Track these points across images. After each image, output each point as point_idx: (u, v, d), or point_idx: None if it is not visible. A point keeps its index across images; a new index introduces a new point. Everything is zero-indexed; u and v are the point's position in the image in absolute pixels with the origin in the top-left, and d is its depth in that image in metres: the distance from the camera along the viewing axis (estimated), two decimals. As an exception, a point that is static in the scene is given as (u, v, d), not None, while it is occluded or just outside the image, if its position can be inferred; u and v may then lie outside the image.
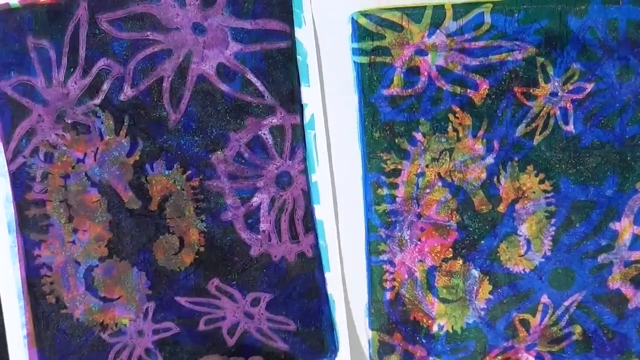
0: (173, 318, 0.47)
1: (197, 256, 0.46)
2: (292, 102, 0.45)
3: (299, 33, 0.45)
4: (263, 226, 0.46)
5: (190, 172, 0.46)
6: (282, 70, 0.45)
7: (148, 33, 0.44)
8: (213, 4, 0.44)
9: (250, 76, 0.45)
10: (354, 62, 0.45)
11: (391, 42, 0.44)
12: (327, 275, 0.47)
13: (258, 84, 0.45)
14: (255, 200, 0.46)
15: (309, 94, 0.45)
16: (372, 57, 0.45)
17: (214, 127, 0.45)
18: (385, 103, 0.45)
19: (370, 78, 0.45)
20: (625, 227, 0.45)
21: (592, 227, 0.45)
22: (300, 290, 0.47)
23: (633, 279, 0.46)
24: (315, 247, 0.46)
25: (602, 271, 0.46)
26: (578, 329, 0.47)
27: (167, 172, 0.46)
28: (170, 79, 0.45)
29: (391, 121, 0.45)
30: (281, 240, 0.46)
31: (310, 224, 0.46)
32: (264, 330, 0.47)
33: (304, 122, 0.46)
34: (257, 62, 0.45)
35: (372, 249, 0.46)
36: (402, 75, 0.45)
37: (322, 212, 0.46)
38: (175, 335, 0.47)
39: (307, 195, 0.46)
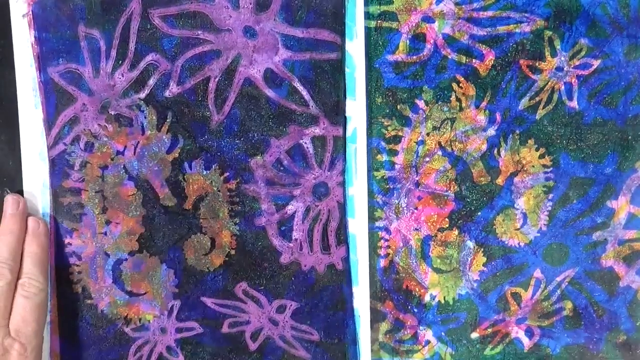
0: (197, 318, 0.47)
1: (227, 258, 0.46)
2: (336, 113, 0.45)
3: (349, 46, 0.45)
4: (296, 234, 0.46)
5: (228, 174, 0.46)
6: (329, 82, 0.45)
7: (199, 32, 0.44)
8: (266, 9, 0.44)
9: (297, 84, 0.45)
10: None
11: (399, 7, 0.44)
12: (354, 289, 0.47)
13: (304, 92, 0.45)
14: (290, 208, 0.46)
15: (353, 108, 0.45)
16: (379, 21, 0.44)
17: (255, 132, 0.45)
18: (389, 68, 0.45)
19: (375, 42, 0.45)
20: (621, 206, 0.46)
21: (589, 204, 0.46)
22: (327, 302, 0.47)
23: (626, 257, 0.46)
24: (346, 260, 0.46)
25: (596, 248, 0.46)
26: (569, 305, 0.47)
27: (205, 172, 0.46)
28: (216, 79, 0.45)
29: (394, 87, 0.45)
30: (312, 250, 0.46)
31: (342, 236, 0.46)
32: (287, 337, 0.47)
33: (346, 135, 0.45)
34: (305, 71, 0.45)
35: (368, 215, 0.46)
36: (407, 41, 0.45)
37: (355, 226, 0.46)
38: (198, 335, 0.47)
39: (343, 208, 0.46)
